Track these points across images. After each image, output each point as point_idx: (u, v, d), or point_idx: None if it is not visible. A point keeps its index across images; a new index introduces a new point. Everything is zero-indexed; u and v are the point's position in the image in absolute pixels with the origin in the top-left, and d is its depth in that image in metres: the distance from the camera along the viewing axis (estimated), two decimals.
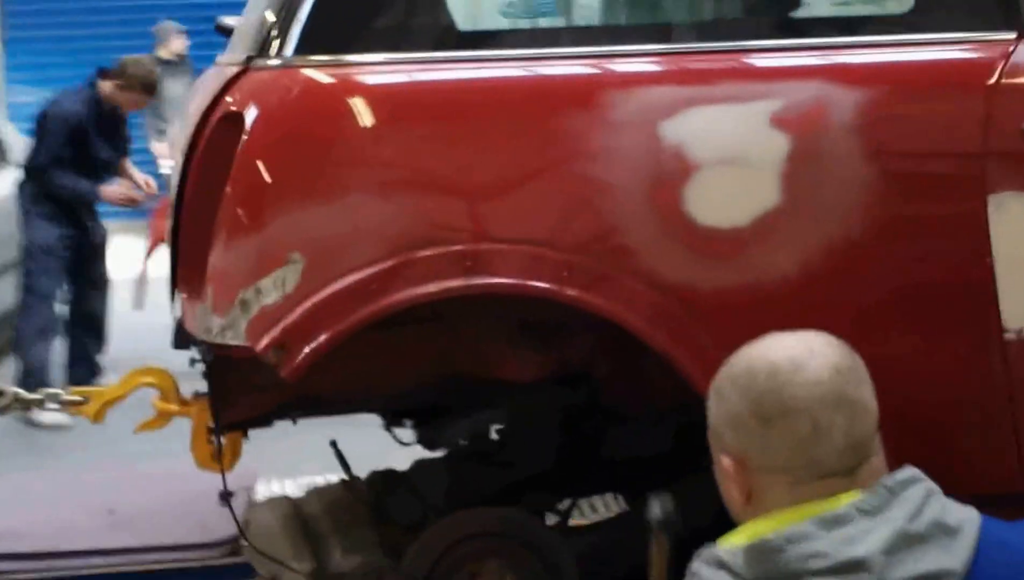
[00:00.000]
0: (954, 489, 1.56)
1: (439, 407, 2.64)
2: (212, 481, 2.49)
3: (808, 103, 2.22)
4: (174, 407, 2.59)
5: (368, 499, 2.65)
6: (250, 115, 2.23)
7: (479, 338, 2.43)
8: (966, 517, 1.56)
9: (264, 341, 2.17)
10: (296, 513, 2.66)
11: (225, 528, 2.87)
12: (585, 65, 2.30)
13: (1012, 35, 2.27)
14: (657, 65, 2.31)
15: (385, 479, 2.71)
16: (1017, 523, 1.61)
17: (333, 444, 2.74)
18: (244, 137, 2.21)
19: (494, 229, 2.18)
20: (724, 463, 1.65)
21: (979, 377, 2.26)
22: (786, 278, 2.21)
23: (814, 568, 1.53)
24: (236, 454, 2.61)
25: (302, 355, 2.16)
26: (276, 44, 2.28)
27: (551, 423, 2.50)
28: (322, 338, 2.16)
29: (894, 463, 1.60)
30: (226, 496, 2.43)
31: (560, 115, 2.22)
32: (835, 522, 1.55)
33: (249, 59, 2.31)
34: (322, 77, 2.26)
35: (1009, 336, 2.24)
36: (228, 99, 2.29)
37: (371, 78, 2.27)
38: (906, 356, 2.24)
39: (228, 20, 2.88)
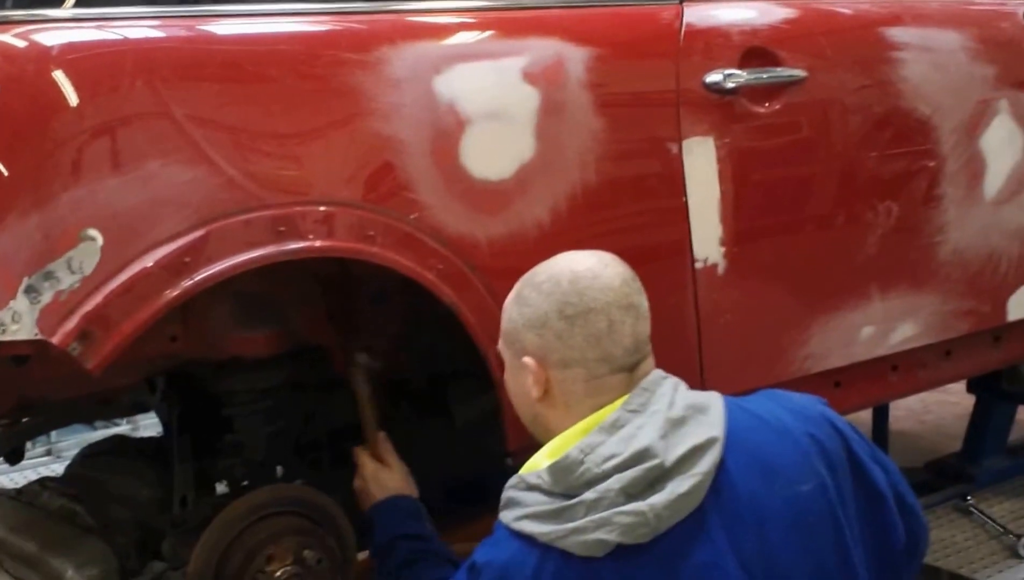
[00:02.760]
0: None
1: None
2: None
3: (549, 58, 2.36)
4: None
5: (61, 510, 2.35)
6: (6, 78, 1.91)
7: (206, 317, 2.26)
8: (710, 396, 1.93)
9: (62, 332, 1.88)
10: None
11: None
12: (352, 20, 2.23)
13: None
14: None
15: (69, 485, 2.42)
16: (759, 392, 2.04)
17: None
18: (1, 104, 1.89)
19: (303, 191, 2.07)
20: (525, 362, 1.93)
21: (675, 301, 2.55)
22: (542, 227, 2.33)
23: (611, 467, 1.81)
24: None
25: (110, 344, 1.91)
26: None
27: (280, 400, 2.40)
28: (132, 322, 1.93)
29: None
30: None
31: (347, 71, 2.15)
32: (614, 426, 1.86)
33: None
34: (92, 33, 1.98)
35: (698, 265, 2.57)
36: None
37: (151, 32, 2.03)
38: None
39: None
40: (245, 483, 2.39)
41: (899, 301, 2.91)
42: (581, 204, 2.38)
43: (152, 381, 2.46)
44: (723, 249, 2.59)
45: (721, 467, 1.83)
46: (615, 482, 1.79)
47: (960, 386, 3.91)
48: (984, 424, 3.81)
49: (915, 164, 2.92)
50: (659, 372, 1.95)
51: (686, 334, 2.57)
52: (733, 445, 1.85)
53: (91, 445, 2.63)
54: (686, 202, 2.53)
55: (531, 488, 1.86)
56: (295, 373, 2.41)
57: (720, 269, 2.59)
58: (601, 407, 1.89)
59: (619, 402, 1.89)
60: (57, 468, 4.21)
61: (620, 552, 1.78)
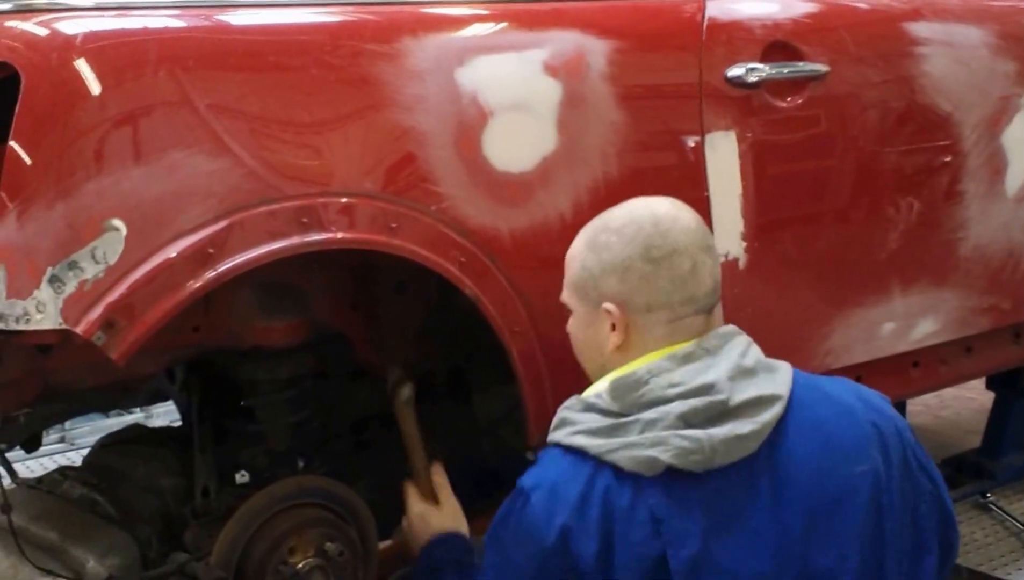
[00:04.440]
0: None
1: None
2: None
3: (570, 50, 2.36)
4: None
5: (82, 499, 2.35)
6: (31, 67, 1.91)
7: (228, 307, 2.26)
8: (781, 362, 1.96)
9: (86, 321, 1.88)
10: None
11: None
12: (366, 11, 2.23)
13: None
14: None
15: (90, 474, 2.42)
16: (831, 377, 2.04)
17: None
18: (26, 94, 1.89)
19: (325, 182, 2.07)
20: (606, 308, 1.92)
21: None
22: (564, 220, 2.33)
23: (673, 394, 1.82)
24: None
25: (134, 333, 1.91)
26: None
27: (303, 390, 2.40)
28: (156, 312, 1.92)
29: None
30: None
31: (369, 61, 2.14)
32: (686, 358, 1.88)
33: None
34: (114, 22, 1.98)
35: (719, 259, 2.55)
36: None
37: (173, 21, 2.02)
38: None
39: None
40: (267, 474, 2.39)
41: (920, 297, 2.90)
42: (603, 197, 2.36)
43: (171, 369, 2.47)
44: (744, 244, 2.58)
45: (780, 428, 1.84)
46: (676, 406, 1.80)
47: (978, 381, 3.89)
48: (1004, 421, 3.80)
49: (936, 160, 2.91)
50: (734, 326, 1.97)
51: None
52: (795, 410, 1.86)
53: (110, 434, 2.63)
54: (708, 196, 2.52)
55: (588, 408, 1.88)
56: (318, 362, 2.41)
57: (741, 263, 2.59)
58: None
59: (692, 341, 1.90)
60: (72, 455, 4.23)
61: (669, 476, 1.78)
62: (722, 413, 1.80)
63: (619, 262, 1.92)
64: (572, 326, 2.02)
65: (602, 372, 1.96)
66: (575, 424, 1.86)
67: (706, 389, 1.81)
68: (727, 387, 1.82)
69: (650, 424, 1.80)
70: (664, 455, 1.77)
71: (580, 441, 1.83)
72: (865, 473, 1.84)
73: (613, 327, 1.92)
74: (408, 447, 2.33)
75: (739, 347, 1.90)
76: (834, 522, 1.81)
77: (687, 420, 1.79)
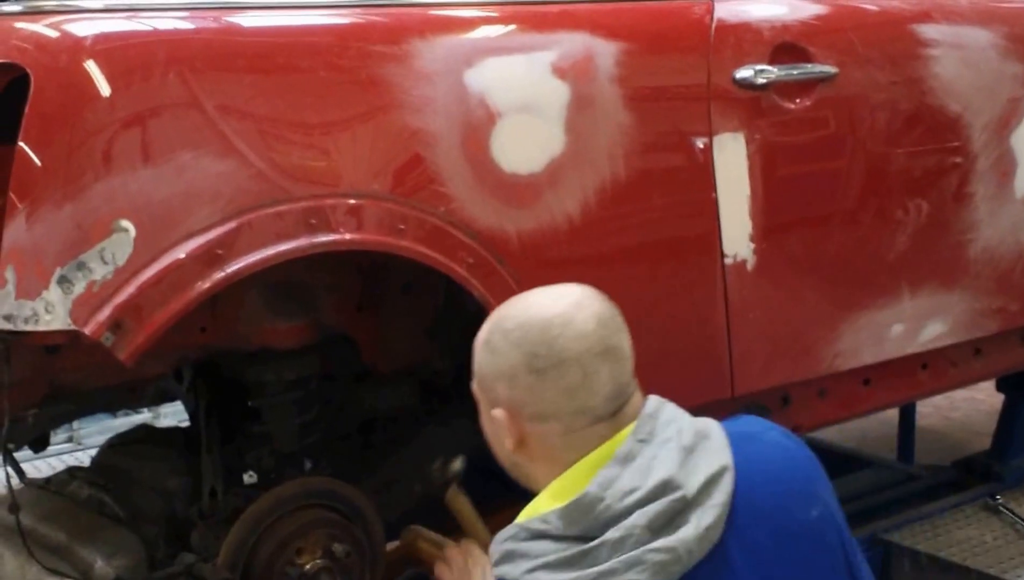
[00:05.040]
0: (680, 401, 1.79)
1: None
2: None
3: (578, 52, 2.36)
4: None
5: (90, 500, 2.36)
6: (40, 68, 1.92)
7: (235, 308, 2.27)
8: (708, 422, 1.78)
9: (95, 322, 1.89)
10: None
11: None
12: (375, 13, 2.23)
13: None
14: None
15: (97, 475, 2.43)
16: (736, 418, 1.87)
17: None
18: (35, 95, 1.90)
19: (334, 183, 2.07)
20: (496, 414, 1.75)
21: (705, 296, 2.55)
22: (572, 221, 2.33)
23: (633, 502, 1.65)
24: None
25: (142, 334, 1.91)
26: None
27: (310, 390, 2.40)
28: (165, 313, 1.93)
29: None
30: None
31: (377, 63, 2.15)
32: (627, 458, 1.70)
33: None
34: (124, 23, 1.99)
35: (727, 261, 2.56)
36: None
37: (182, 23, 2.03)
38: (663, 278, 2.50)
39: None
40: (274, 475, 2.39)
41: (929, 299, 2.90)
42: (610, 199, 2.37)
43: (179, 370, 2.47)
44: (752, 245, 2.58)
45: (734, 495, 1.71)
46: (639, 518, 1.65)
47: (988, 383, 3.89)
48: (1013, 423, 3.78)
49: (945, 161, 2.91)
50: (657, 398, 1.80)
51: (715, 330, 2.57)
52: (741, 470, 1.73)
53: (118, 435, 2.64)
54: (716, 198, 2.53)
55: (536, 536, 1.70)
56: (325, 363, 2.41)
57: (749, 265, 2.58)
58: (585, 456, 1.74)
59: (626, 432, 1.74)
60: (80, 456, 4.23)
61: None
62: (683, 507, 1.66)
63: (505, 370, 1.74)
64: (480, 418, 1.85)
65: (515, 469, 1.81)
66: (528, 557, 1.68)
67: (663, 488, 1.66)
68: (683, 478, 1.67)
69: (618, 545, 1.64)
70: (643, 575, 1.63)
71: (543, 577, 1.66)
72: (823, 515, 1.75)
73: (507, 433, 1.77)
74: (467, 529, 2.26)
75: (672, 424, 1.74)
76: (813, 569, 1.73)
77: (653, 528, 1.64)
